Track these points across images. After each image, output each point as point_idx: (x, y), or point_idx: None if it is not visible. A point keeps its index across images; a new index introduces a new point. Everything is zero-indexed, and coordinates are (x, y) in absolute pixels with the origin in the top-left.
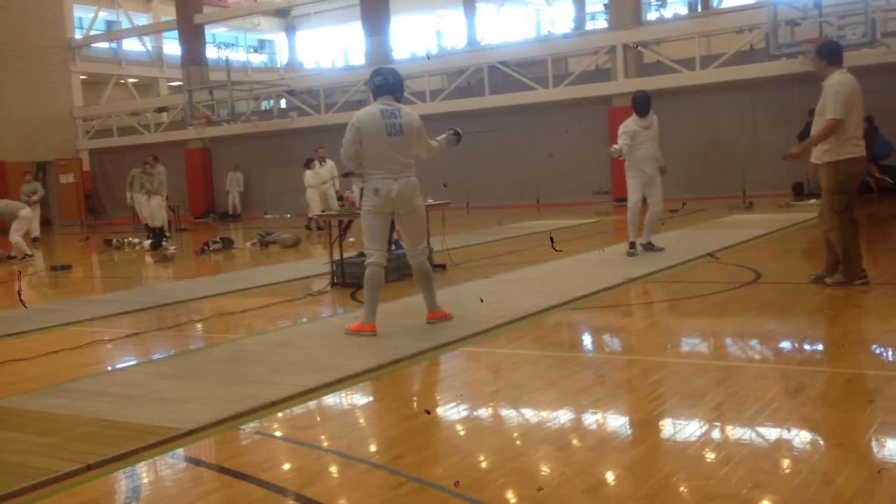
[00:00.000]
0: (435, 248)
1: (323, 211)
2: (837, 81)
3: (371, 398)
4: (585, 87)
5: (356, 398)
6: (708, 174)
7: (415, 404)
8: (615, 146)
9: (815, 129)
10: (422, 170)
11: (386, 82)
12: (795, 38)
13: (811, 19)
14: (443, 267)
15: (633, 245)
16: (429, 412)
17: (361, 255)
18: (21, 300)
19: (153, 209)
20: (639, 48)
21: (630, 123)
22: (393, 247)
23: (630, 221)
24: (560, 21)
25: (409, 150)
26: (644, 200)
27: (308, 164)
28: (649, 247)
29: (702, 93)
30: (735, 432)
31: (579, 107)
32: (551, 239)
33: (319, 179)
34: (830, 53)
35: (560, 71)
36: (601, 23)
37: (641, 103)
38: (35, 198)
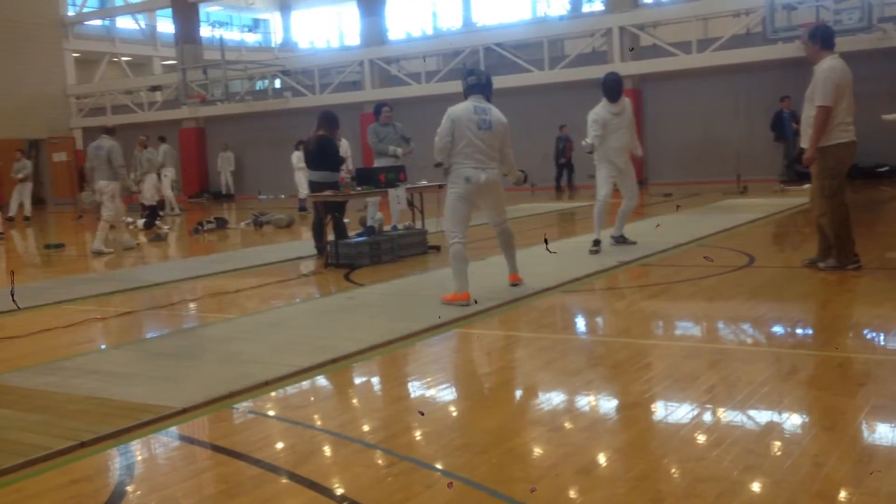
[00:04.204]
0: (430, 230)
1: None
2: (828, 67)
3: (364, 378)
4: (581, 69)
5: (350, 378)
6: (702, 158)
7: (408, 385)
8: (586, 140)
9: (806, 114)
10: (420, 152)
11: (479, 82)
12: (792, 23)
13: (808, 3)
14: (437, 249)
15: (597, 243)
16: (422, 413)
17: (361, 234)
18: (14, 300)
19: (143, 189)
20: (635, 32)
21: (600, 110)
22: (377, 228)
23: (596, 216)
24: (556, 3)
25: (496, 145)
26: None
27: (298, 146)
28: (621, 240)
29: (698, 76)
30: (727, 415)
31: (575, 90)
32: (545, 240)
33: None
34: (823, 38)
35: (556, 53)
36: (598, 5)
37: (612, 87)
38: (20, 175)
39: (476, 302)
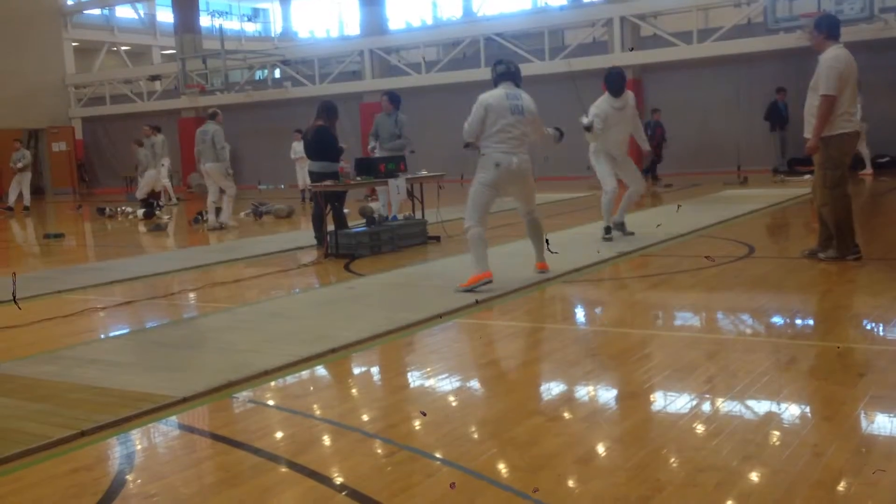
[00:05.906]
0: (430, 220)
1: None
2: (832, 56)
3: (364, 368)
4: (581, 59)
5: (349, 368)
6: (703, 149)
7: (408, 375)
8: (585, 117)
9: (810, 104)
10: (419, 142)
11: (508, 70)
12: (793, 13)
13: None
14: (437, 239)
15: (608, 230)
16: (424, 414)
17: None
18: (15, 301)
19: (145, 178)
20: (636, 22)
21: (602, 104)
22: (377, 218)
23: (604, 207)
24: None
25: (527, 131)
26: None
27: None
28: (619, 227)
29: (698, 67)
30: (726, 405)
31: (575, 80)
32: (546, 241)
33: (296, 153)
34: (829, 27)
35: (556, 44)
36: None
37: (615, 80)
38: (20, 165)
39: (477, 302)
